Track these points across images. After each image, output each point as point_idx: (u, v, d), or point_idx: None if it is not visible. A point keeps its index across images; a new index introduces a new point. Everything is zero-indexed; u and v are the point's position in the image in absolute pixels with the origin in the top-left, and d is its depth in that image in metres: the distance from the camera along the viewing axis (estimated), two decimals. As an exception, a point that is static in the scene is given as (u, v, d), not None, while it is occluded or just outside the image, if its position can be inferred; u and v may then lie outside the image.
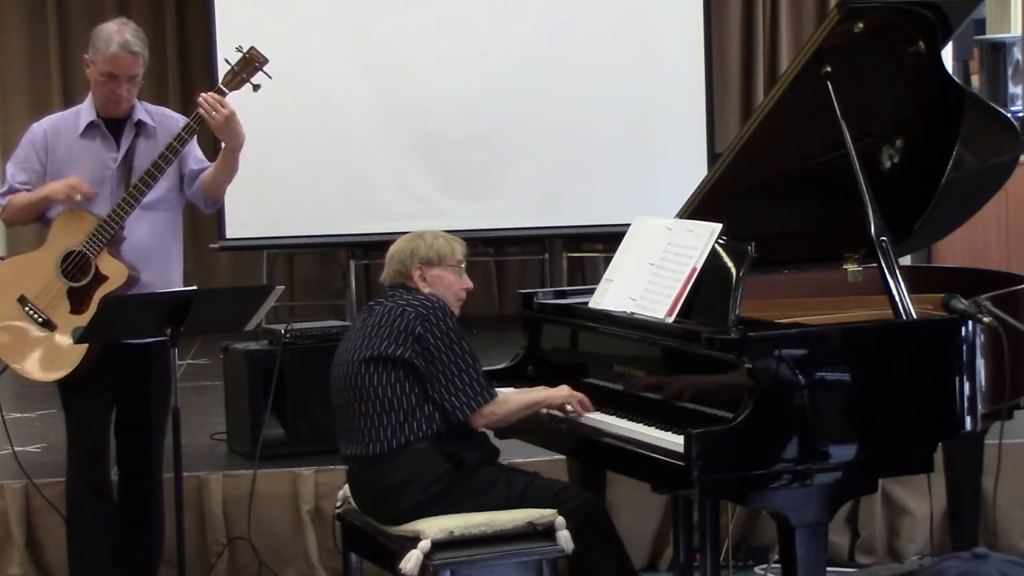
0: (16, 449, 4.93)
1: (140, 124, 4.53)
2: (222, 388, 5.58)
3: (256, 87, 4.48)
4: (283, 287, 4.61)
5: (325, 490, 5.02)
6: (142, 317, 4.28)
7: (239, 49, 4.49)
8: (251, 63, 4.48)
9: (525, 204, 8.10)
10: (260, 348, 5.39)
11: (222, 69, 4.56)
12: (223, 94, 4.47)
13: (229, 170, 4.58)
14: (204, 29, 8.00)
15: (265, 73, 4.49)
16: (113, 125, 4.54)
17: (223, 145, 4.55)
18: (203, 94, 4.45)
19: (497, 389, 4.08)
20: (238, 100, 4.49)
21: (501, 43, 8.02)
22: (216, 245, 7.92)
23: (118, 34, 4.44)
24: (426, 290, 4.07)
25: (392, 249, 4.18)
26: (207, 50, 7.92)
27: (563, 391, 4.04)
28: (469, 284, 4.19)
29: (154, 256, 4.54)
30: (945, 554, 4.76)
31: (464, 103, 8.00)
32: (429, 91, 7.97)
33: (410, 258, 4.11)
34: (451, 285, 4.12)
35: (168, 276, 4.57)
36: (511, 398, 4.08)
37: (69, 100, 8.29)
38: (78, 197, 4.40)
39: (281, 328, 5.37)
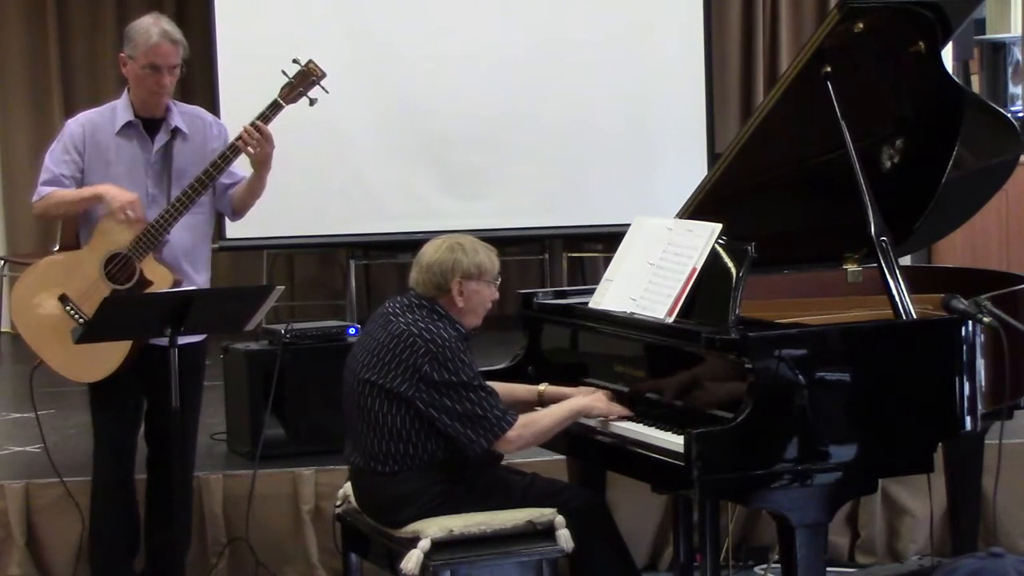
0: (16, 449, 4.93)
1: (176, 130, 4.53)
2: (222, 388, 5.57)
3: (312, 101, 4.45)
4: (283, 287, 4.60)
5: (325, 490, 5.01)
6: (142, 317, 4.28)
7: (296, 61, 4.45)
8: (309, 76, 4.44)
9: (525, 204, 8.10)
10: (260, 348, 5.39)
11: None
12: (279, 107, 4.44)
13: (257, 191, 4.61)
14: (204, 29, 7.99)
15: (322, 87, 4.45)
16: (149, 125, 4.53)
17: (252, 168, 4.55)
18: (246, 127, 4.40)
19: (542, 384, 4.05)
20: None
21: (501, 43, 8.02)
22: (216, 245, 7.88)
23: (156, 25, 4.46)
24: (460, 304, 3.98)
25: (429, 256, 4.02)
26: (207, 50, 7.90)
27: (603, 401, 3.95)
28: (497, 295, 4.10)
29: (188, 258, 4.56)
30: (947, 554, 4.79)
31: (464, 103, 7.99)
32: (429, 91, 7.96)
33: (451, 272, 3.97)
34: (484, 299, 4.03)
35: (199, 278, 4.58)
36: (539, 418, 3.98)
37: (69, 102, 8.28)
38: (130, 213, 4.35)
39: (281, 328, 5.37)
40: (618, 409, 3.93)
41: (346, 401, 4.07)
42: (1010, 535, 5.23)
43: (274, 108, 4.45)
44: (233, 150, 4.41)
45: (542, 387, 4.22)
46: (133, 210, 4.36)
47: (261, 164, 4.50)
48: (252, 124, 4.41)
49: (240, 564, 5.04)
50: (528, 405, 4.17)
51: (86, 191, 4.48)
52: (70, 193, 4.50)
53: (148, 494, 4.70)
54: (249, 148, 4.41)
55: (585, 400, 4.00)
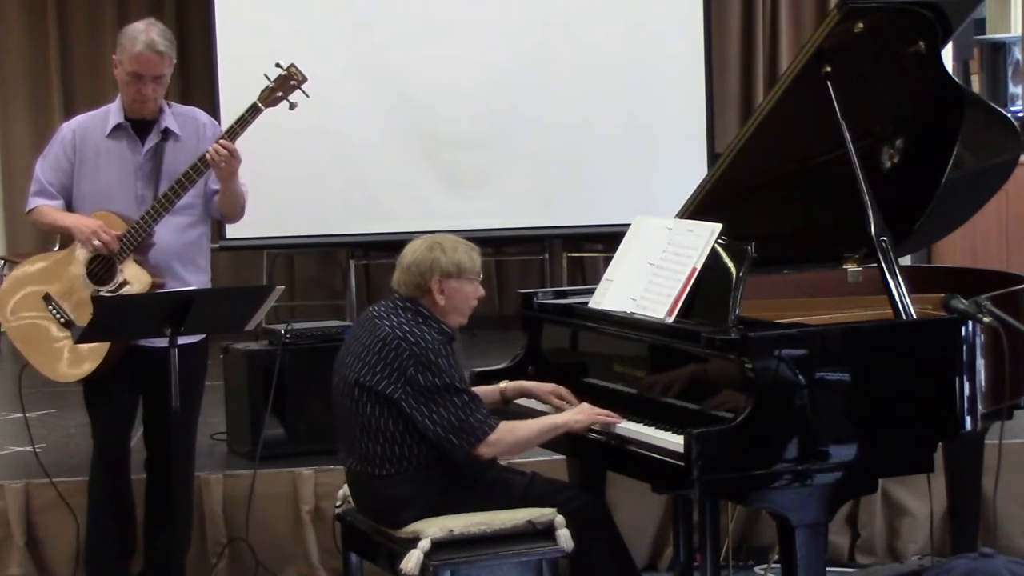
0: (16, 449, 4.93)
1: (166, 131, 4.53)
2: (222, 388, 5.58)
3: (293, 105, 4.44)
4: (283, 287, 4.61)
5: (325, 490, 5.02)
6: (142, 317, 4.28)
7: (278, 65, 4.45)
8: (289, 80, 4.44)
9: (525, 204, 8.10)
10: (260, 348, 5.39)
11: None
12: (258, 111, 4.43)
13: (232, 199, 4.57)
14: (204, 29, 8.00)
15: (303, 92, 4.44)
16: (140, 126, 4.54)
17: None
18: (214, 145, 4.38)
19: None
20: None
21: (501, 43, 8.02)
22: (216, 245, 7.88)
23: (144, 33, 4.43)
24: (441, 302, 3.97)
25: (409, 256, 4.02)
26: (207, 50, 7.91)
27: (585, 414, 3.95)
28: (482, 292, 4.10)
29: (180, 260, 4.55)
30: (947, 554, 4.79)
31: (464, 103, 8.00)
32: (429, 91, 7.96)
33: (430, 271, 3.97)
34: (467, 297, 4.03)
35: (194, 280, 4.57)
36: (520, 427, 3.98)
37: (69, 103, 8.29)
38: (95, 242, 4.38)
39: (281, 328, 5.37)
40: (603, 418, 3.91)
41: (336, 404, 4.07)
42: (1010, 535, 5.24)
43: (253, 111, 4.44)
44: (203, 162, 4.41)
45: (503, 384, 4.26)
46: (97, 237, 4.38)
47: (228, 177, 4.48)
48: (219, 142, 4.40)
49: (240, 564, 5.04)
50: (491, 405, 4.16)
51: (59, 220, 4.53)
52: (49, 217, 4.55)
53: (147, 495, 4.70)
54: (217, 163, 4.40)
55: (568, 415, 3.99)
